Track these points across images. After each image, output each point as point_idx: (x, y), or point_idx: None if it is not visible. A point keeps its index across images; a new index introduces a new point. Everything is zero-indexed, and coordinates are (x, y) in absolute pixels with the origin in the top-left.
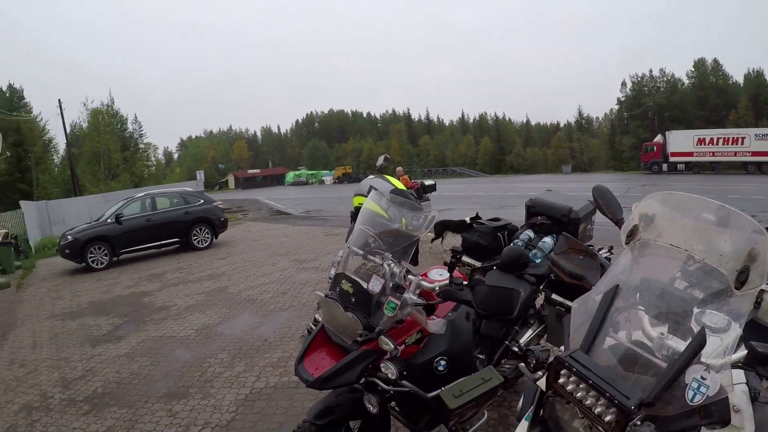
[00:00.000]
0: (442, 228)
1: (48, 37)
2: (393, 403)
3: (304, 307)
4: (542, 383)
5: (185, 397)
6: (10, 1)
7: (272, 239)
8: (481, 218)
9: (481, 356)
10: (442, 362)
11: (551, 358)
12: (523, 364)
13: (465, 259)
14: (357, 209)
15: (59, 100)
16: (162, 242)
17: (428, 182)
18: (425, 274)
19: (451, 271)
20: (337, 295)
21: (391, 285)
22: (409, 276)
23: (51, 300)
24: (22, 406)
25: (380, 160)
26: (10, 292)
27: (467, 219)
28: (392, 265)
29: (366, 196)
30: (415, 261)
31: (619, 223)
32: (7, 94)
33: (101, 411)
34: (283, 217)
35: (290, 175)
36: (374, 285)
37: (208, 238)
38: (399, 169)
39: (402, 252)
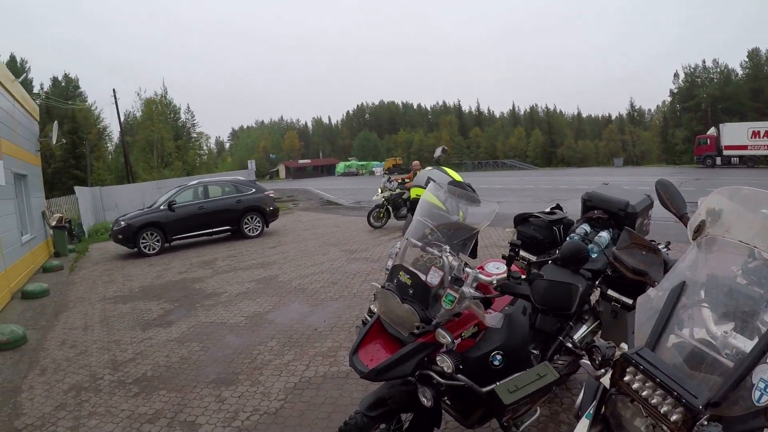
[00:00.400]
0: None
1: (105, 28)
2: (445, 397)
3: (355, 298)
4: (606, 380)
5: (234, 383)
6: None
7: (323, 229)
8: (561, 208)
9: (535, 351)
10: (498, 357)
11: (617, 355)
12: (585, 360)
13: (521, 252)
14: (414, 201)
15: (113, 90)
16: (213, 230)
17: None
18: (482, 267)
19: (509, 264)
20: (394, 286)
21: (449, 278)
22: (467, 269)
23: (103, 283)
24: (71, 386)
25: (438, 152)
26: (63, 275)
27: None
28: (451, 257)
29: (424, 188)
30: (474, 254)
31: (683, 218)
32: (63, 83)
33: (150, 394)
34: (334, 208)
35: (340, 166)
36: (433, 277)
37: (259, 226)
38: (416, 163)
39: (461, 244)
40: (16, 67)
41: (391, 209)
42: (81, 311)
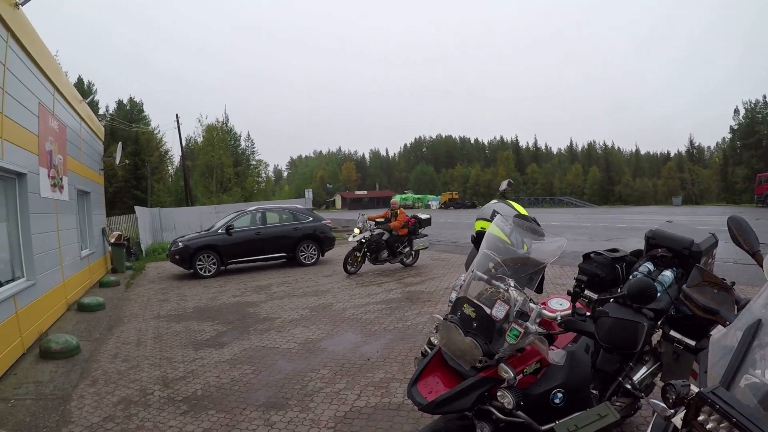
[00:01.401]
0: None
1: (167, 56)
2: None
3: (409, 330)
4: (677, 420)
5: (284, 408)
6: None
7: None
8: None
9: (594, 392)
10: (559, 395)
11: (692, 394)
12: (654, 399)
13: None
14: (479, 233)
15: (177, 115)
16: (269, 256)
17: (424, 216)
18: (545, 303)
19: (574, 301)
20: (458, 319)
21: (515, 312)
22: (531, 304)
23: (158, 301)
24: (121, 399)
25: (503, 185)
26: (120, 291)
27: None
28: (516, 291)
29: (488, 221)
30: (540, 289)
31: (756, 255)
32: (128, 107)
33: (199, 413)
34: None
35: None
36: (498, 311)
37: (314, 255)
38: (394, 201)
39: (527, 279)
40: (83, 89)
41: (368, 252)
42: (135, 327)
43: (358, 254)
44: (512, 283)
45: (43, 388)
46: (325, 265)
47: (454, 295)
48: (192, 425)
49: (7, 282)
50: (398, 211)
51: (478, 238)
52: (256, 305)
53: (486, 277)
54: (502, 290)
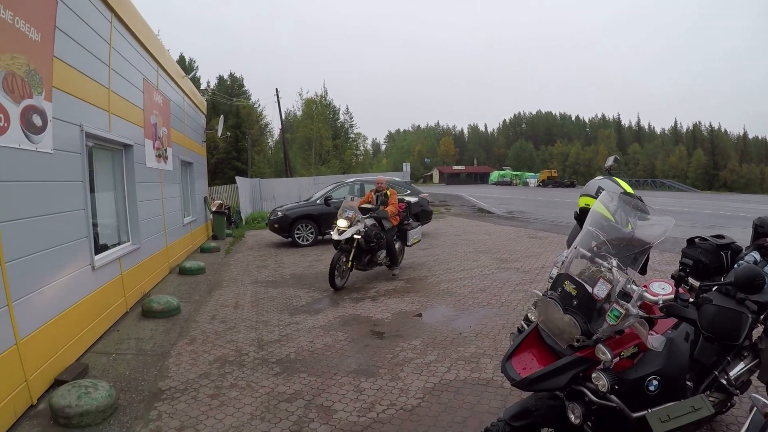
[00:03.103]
0: None
1: (271, 32)
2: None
3: (502, 307)
4: None
5: (374, 376)
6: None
7: (474, 236)
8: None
9: (688, 383)
10: (654, 382)
11: None
12: (756, 395)
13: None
14: (582, 210)
15: (276, 89)
16: None
17: (413, 199)
18: (646, 286)
19: (677, 285)
20: (558, 295)
21: (617, 292)
22: (633, 286)
23: (256, 267)
24: (217, 358)
25: (609, 161)
26: (220, 256)
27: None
28: (619, 271)
29: (593, 197)
30: (644, 270)
31: None
32: (228, 82)
33: (291, 375)
34: (486, 216)
35: (494, 175)
36: (600, 290)
37: None
38: (380, 179)
39: (631, 259)
40: (185, 66)
41: (361, 255)
42: (233, 290)
43: (346, 259)
44: (615, 263)
45: (144, 344)
46: (423, 239)
47: (555, 272)
48: (284, 386)
49: (114, 246)
50: (389, 192)
51: (581, 215)
52: (351, 275)
53: (589, 254)
54: (605, 269)
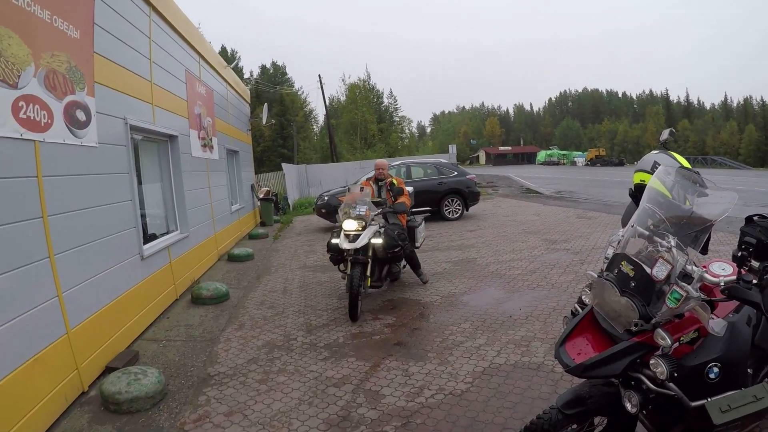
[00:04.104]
0: None
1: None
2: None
3: (553, 289)
4: None
5: (423, 360)
6: None
7: (522, 216)
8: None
9: (749, 370)
10: (715, 369)
11: None
12: None
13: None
14: (637, 186)
15: (319, 76)
16: (414, 210)
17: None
18: (706, 267)
19: (740, 266)
20: (614, 277)
21: (677, 273)
22: (692, 267)
23: (304, 252)
24: (265, 343)
25: (665, 134)
26: (268, 242)
27: None
28: (679, 251)
29: (648, 173)
30: (705, 250)
31: None
32: (271, 71)
33: (339, 359)
34: (534, 196)
35: (541, 155)
36: (659, 270)
37: (459, 209)
38: (381, 163)
39: (692, 238)
40: (227, 57)
41: (374, 265)
42: (281, 276)
43: (362, 274)
44: (675, 242)
45: (193, 331)
46: (470, 220)
47: (610, 252)
48: (332, 370)
49: (162, 235)
50: (395, 180)
51: (636, 191)
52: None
53: (647, 233)
54: (664, 248)
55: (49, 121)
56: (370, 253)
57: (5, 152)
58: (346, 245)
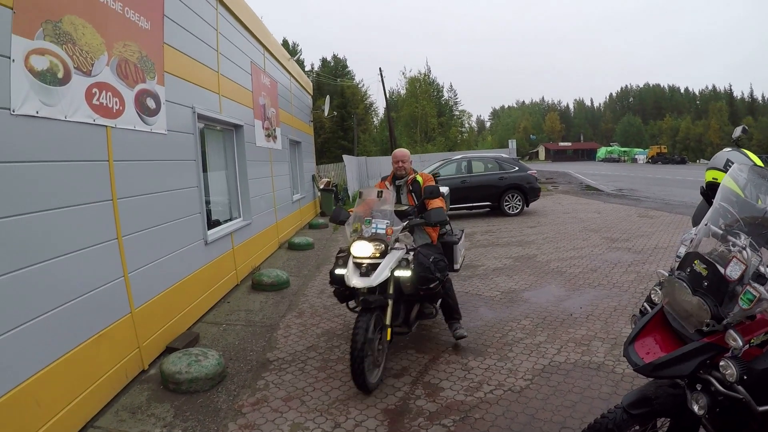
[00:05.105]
0: None
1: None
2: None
3: (614, 288)
4: None
5: (482, 355)
6: None
7: (583, 214)
8: None
9: None
10: None
11: None
12: None
13: None
14: (709, 185)
15: (380, 69)
16: (473, 204)
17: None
18: None
19: None
20: (686, 276)
21: (750, 273)
22: (765, 268)
23: None
24: (325, 331)
25: (737, 131)
26: (328, 232)
27: None
28: (752, 251)
29: (722, 171)
30: None
31: None
32: (332, 63)
33: (398, 351)
34: (595, 193)
35: (602, 151)
36: (733, 270)
37: (519, 205)
38: (402, 153)
39: (766, 238)
40: (289, 50)
41: (399, 305)
42: None
43: (378, 324)
44: (748, 242)
45: (253, 316)
46: (530, 216)
47: (683, 250)
48: (391, 362)
49: (226, 221)
50: (420, 177)
51: (708, 189)
52: None
53: (721, 232)
54: (737, 248)
55: (121, 108)
56: (391, 290)
57: (79, 137)
58: (356, 280)
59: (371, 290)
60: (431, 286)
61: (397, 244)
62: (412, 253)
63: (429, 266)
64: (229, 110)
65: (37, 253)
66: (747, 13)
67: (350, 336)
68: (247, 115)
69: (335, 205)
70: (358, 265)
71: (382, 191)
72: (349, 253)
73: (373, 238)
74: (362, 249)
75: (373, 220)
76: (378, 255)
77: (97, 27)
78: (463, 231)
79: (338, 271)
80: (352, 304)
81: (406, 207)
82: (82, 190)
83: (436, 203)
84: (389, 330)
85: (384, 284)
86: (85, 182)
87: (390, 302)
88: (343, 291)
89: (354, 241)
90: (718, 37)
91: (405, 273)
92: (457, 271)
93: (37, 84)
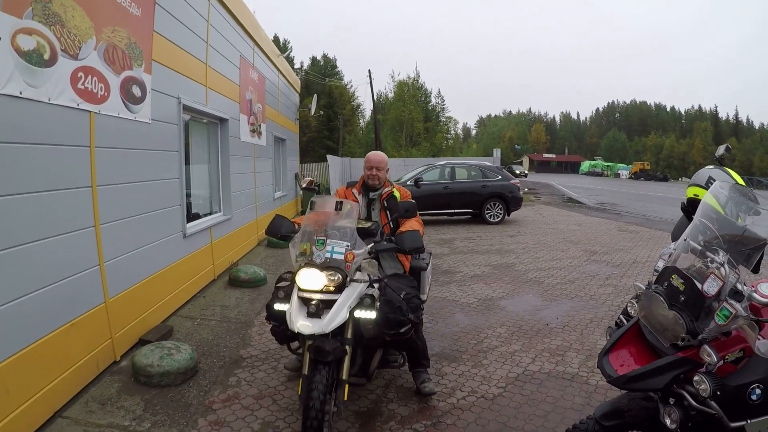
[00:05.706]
0: None
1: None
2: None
3: (591, 300)
4: None
5: (456, 361)
6: None
7: (563, 225)
8: None
9: None
10: (758, 390)
11: None
12: None
13: None
14: (690, 201)
15: (369, 71)
16: (455, 211)
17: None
18: (755, 286)
19: None
20: (663, 290)
21: (728, 290)
22: (742, 285)
23: None
24: None
25: (720, 150)
26: None
27: None
28: (730, 268)
29: (703, 188)
30: (756, 269)
31: None
32: (321, 63)
33: None
34: (576, 206)
35: (585, 165)
36: (710, 286)
37: (500, 213)
38: (379, 157)
39: (744, 256)
40: (279, 47)
41: (357, 352)
42: None
43: (334, 379)
44: (727, 259)
45: (228, 312)
46: (511, 225)
47: (661, 264)
48: None
49: (206, 215)
50: (397, 192)
51: (689, 205)
52: (439, 257)
53: (699, 248)
54: (716, 264)
55: (106, 93)
56: (349, 334)
57: (61, 120)
58: (302, 323)
59: (323, 337)
60: (401, 330)
61: (357, 274)
62: (377, 285)
63: (400, 305)
64: (216, 103)
65: (10, 237)
66: (736, 38)
67: (300, 399)
68: (233, 109)
69: None
70: (305, 301)
71: (342, 202)
72: (294, 284)
73: (327, 266)
74: (312, 280)
75: (328, 241)
76: (333, 289)
77: (87, 10)
78: (431, 254)
79: (278, 307)
80: (295, 344)
81: (369, 224)
82: (61, 174)
83: (413, 224)
84: (346, 387)
85: (340, 330)
86: (64, 167)
87: (348, 350)
88: (284, 330)
89: (301, 268)
90: (713, 68)
91: (369, 314)
92: (423, 302)
93: (23, 64)
